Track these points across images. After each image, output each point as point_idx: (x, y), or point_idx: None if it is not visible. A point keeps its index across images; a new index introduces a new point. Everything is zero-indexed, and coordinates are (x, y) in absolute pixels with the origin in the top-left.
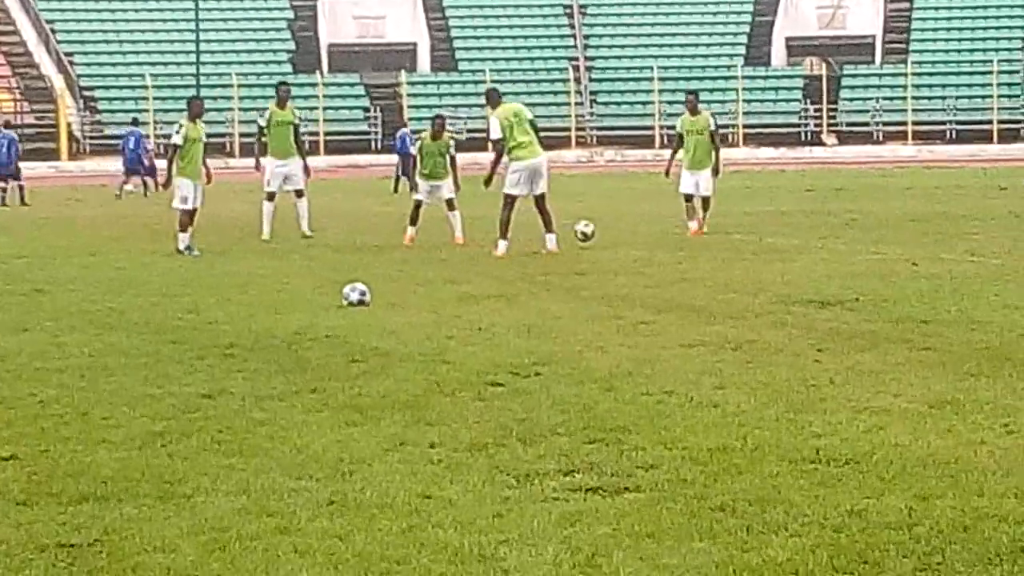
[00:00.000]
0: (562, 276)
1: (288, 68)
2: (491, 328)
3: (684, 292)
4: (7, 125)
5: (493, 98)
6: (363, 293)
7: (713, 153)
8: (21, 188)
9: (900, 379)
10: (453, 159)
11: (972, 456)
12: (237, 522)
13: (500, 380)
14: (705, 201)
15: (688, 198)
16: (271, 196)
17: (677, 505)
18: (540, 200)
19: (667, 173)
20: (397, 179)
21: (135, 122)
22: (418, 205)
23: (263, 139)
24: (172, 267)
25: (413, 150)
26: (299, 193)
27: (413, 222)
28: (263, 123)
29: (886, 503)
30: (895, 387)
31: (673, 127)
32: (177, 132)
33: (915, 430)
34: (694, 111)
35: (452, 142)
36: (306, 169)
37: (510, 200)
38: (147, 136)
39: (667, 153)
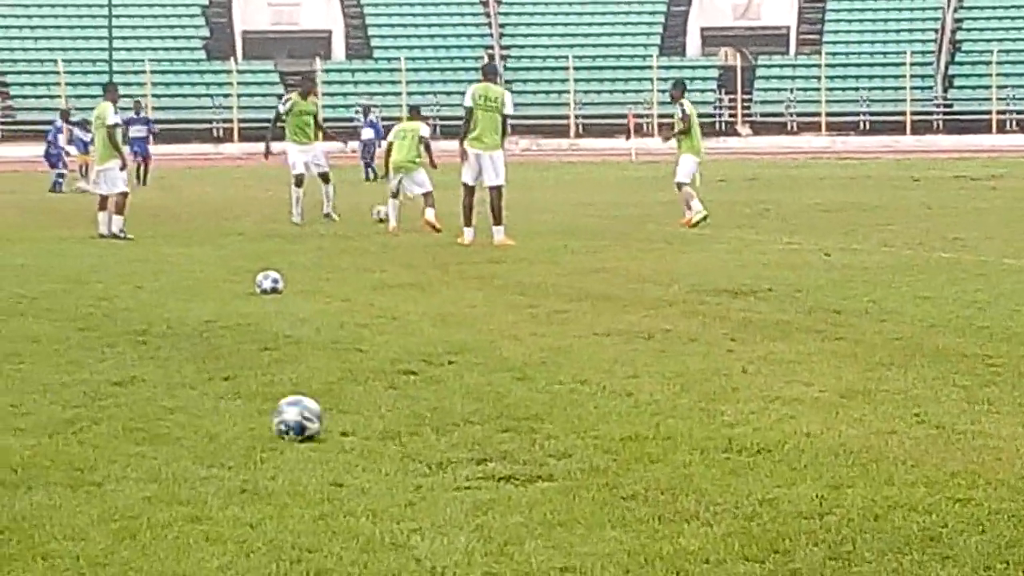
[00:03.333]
0: (476, 265)
1: (202, 55)
2: (404, 316)
3: (598, 281)
4: None
5: (485, 71)
6: (276, 281)
7: (687, 141)
8: None
9: (812, 369)
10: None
11: (883, 445)
12: (148, 510)
13: (413, 368)
14: (678, 187)
15: (680, 186)
16: (299, 180)
17: (589, 494)
18: (491, 192)
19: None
20: (367, 166)
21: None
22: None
23: (278, 125)
24: (83, 253)
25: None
26: (324, 177)
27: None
28: (283, 111)
29: (797, 492)
30: (807, 377)
31: (589, 116)
32: (115, 114)
33: (826, 420)
34: (673, 100)
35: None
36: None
37: (464, 188)
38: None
39: (583, 143)
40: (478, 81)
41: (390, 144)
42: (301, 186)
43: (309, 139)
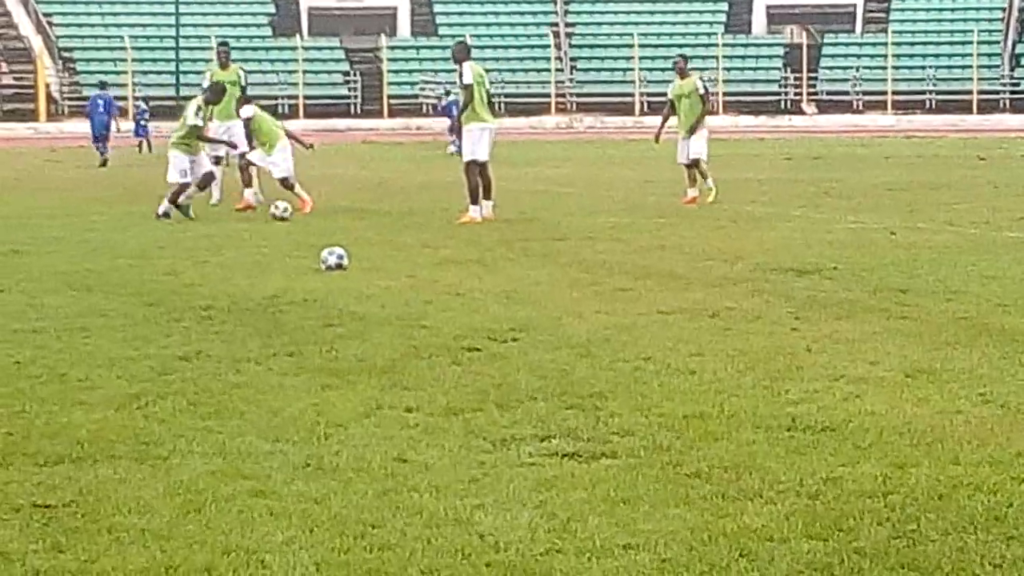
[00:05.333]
0: (540, 242)
1: (268, 31)
2: (469, 293)
3: (662, 259)
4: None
5: (468, 50)
6: (340, 257)
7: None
8: None
9: (877, 348)
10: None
11: (948, 425)
12: (212, 484)
13: (477, 345)
14: (695, 164)
15: (688, 166)
16: (217, 160)
17: (653, 471)
18: (487, 166)
19: (656, 139)
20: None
21: (102, 85)
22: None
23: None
24: (149, 229)
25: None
26: (217, 160)
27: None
28: (205, 85)
29: (862, 471)
30: (872, 355)
31: (654, 93)
32: (196, 115)
33: (891, 399)
34: (682, 75)
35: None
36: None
37: (477, 165)
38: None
39: (648, 120)
40: (463, 61)
41: None
42: (218, 165)
43: (231, 114)
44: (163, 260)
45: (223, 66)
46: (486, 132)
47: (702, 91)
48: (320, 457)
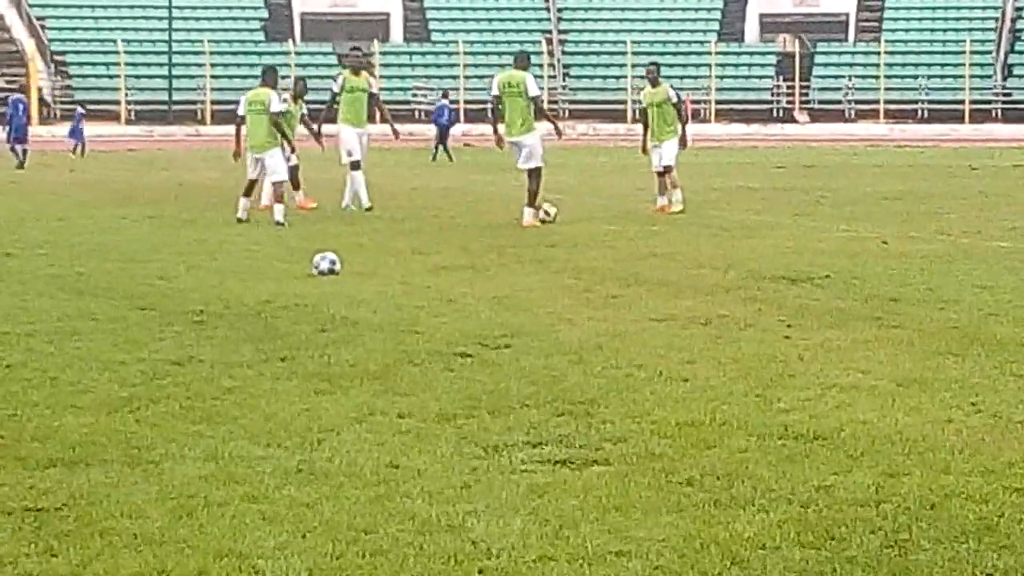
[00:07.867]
0: (532, 249)
1: (260, 36)
2: (461, 299)
3: (654, 266)
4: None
5: (515, 59)
6: (333, 262)
7: (677, 125)
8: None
9: (869, 356)
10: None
11: (939, 434)
12: (205, 489)
13: (469, 351)
14: (666, 170)
15: (660, 174)
16: (356, 164)
17: (645, 479)
18: (527, 175)
19: (643, 150)
20: (436, 149)
21: (20, 88)
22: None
23: (333, 106)
24: (140, 233)
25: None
26: (356, 165)
27: None
28: (336, 89)
29: (853, 480)
30: (863, 364)
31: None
32: (281, 101)
33: (883, 407)
34: (654, 83)
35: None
36: (395, 133)
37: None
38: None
39: (639, 128)
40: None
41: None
42: (359, 170)
43: (362, 121)
44: (154, 264)
45: (356, 72)
46: (508, 144)
47: (675, 99)
48: (312, 462)
